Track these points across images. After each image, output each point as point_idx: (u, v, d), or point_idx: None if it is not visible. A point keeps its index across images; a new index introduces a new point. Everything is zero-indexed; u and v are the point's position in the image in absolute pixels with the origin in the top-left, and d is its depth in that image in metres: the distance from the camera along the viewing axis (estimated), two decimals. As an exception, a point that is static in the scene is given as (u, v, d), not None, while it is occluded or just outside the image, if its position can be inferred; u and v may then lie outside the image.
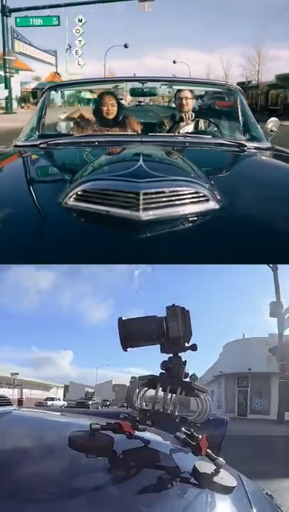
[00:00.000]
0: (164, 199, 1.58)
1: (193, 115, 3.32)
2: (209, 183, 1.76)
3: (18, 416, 1.39)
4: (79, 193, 1.65)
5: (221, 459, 0.98)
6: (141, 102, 4.50)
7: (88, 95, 4.53)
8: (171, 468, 0.99)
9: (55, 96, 3.59)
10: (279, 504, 1.20)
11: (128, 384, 1.17)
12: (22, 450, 0.99)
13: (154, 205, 1.55)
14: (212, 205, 1.64)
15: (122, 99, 3.83)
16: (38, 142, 2.77)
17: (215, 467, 0.97)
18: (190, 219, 1.58)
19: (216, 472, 0.95)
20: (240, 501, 0.98)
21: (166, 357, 1.06)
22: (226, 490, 0.93)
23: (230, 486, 0.93)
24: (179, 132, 3.19)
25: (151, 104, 4.69)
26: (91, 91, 4.06)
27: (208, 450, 0.98)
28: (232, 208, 1.69)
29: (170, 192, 1.60)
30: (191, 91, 3.42)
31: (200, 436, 0.99)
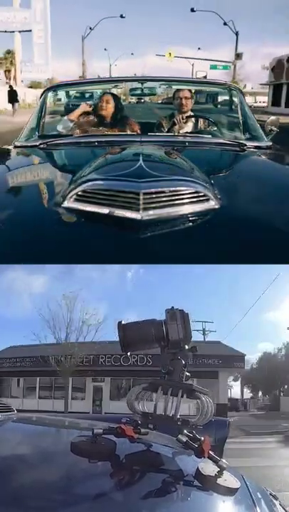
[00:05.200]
0: (164, 199, 1.58)
1: (191, 115, 3.30)
2: (209, 183, 1.76)
3: (20, 422, 1.39)
4: (79, 193, 1.65)
5: (224, 461, 0.98)
6: (140, 100, 4.49)
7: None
8: (174, 471, 0.98)
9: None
10: (283, 504, 1.19)
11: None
12: (24, 456, 0.98)
13: (154, 205, 1.55)
14: (212, 204, 1.63)
15: (123, 99, 3.82)
16: (37, 143, 2.76)
17: (218, 469, 0.96)
18: (190, 219, 1.58)
19: (220, 474, 0.95)
20: (245, 502, 0.97)
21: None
22: (230, 491, 0.92)
23: (234, 488, 0.93)
24: (179, 132, 3.18)
25: (149, 101, 4.67)
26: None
27: (210, 452, 0.98)
28: (232, 208, 1.69)
29: (170, 192, 1.60)
30: (190, 90, 3.41)
31: (202, 438, 0.99)
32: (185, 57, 40.02)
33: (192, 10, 38.99)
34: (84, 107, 3.35)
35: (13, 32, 26.98)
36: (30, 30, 26.74)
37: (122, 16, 39.03)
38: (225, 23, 35.60)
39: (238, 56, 36.33)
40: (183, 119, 3.26)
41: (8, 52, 35.54)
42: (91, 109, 3.34)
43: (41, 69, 26.69)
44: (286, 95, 35.84)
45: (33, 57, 28.09)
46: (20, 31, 26.98)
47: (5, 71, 36.54)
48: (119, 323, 1.06)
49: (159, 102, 4.81)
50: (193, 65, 41.09)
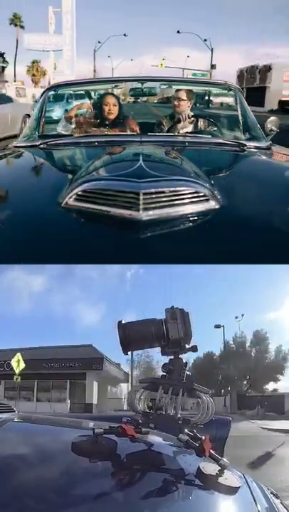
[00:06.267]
0: (164, 199, 1.58)
1: (191, 115, 3.31)
2: (209, 183, 1.76)
3: (21, 422, 1.39)
4: (79, 193, 1.65)
5: (225, 460, 0.98)
6: (137, 100, 4.48)
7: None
8: (176, 471, 0.98)
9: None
10: (285, 503, 1.19)
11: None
12: (25, 456, 0.98)
13: (154, 205, 1.55)
14: (212, 204, 1.63)
15: (123, 99, 3.83)
16: (37, 143, 2.76)
17: (219, 468, 0.96)
18: (190, 219, 1.58)
19: (221, 473, 0.95)
20: (246, 501, 0.97)
21: (167, 359, 1.05)
22: (231, 490, 0.92)
23: (235, 487, 0.93)
24: (179, 132, 3.18)
25: (147, 101, 4.67)
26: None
27: (211, 451, 0.98)
28: (232, 208, 1.69)
29: (170, 192, 1.60)
30: (189, 90, 3.42)
31: (203, 437, 0.99)
32: (173, 67, 50.65)
33: (178, 32, 50.17)
34: (78, 105, 3.35)
35: (49, 51, 38.10)
36: (61, 50, 37.72)
37: (125, 35, 52.84)
38: (205, 40, 47.21)
39: (213, 66, 48.41)
40: (183, 119, 3.27)
41: (34, 62, 51.99)
42: (86, 106, 3.34)
43: (68, 78, 35.03)
44: (245, 97, 51.30)
45: (63, 69, 38.57)
46: (53, 50, 37.86)
47: (31, 77, 51.90)
48: (119, 322, 1.06)
49: (156, 101, 4.80)
50: (183, 70, 49.08)
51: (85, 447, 0.93)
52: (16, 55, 49.89)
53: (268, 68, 46.73)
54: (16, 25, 51.58)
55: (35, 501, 0.78)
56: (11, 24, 51.44)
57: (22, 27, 50.61)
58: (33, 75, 53.33)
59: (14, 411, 1.43)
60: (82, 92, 4.22)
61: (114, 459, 0.93)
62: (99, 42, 50.11)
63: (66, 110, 3.56)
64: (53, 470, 0.91)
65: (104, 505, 0.80)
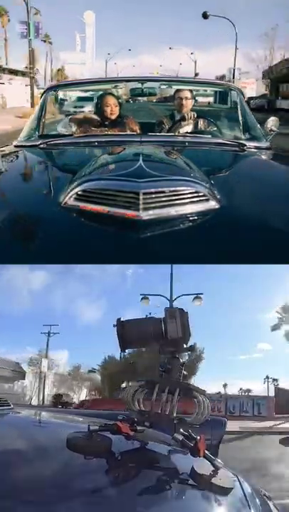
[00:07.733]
0: (164, 199, 1.58)
1: (193, 115, 3.31)
2: (209, 183, 1.76)
3: (16, 417, 1.39)
4: (79, 192, 1.65)
5: (219, 460, 0.98)
6: (137, 100, 4.48)
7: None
8: (170, 470, 0.99)
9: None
10: (277, 505, 1.20)
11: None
12: (20, 451, 0.98)
13: (153, 205, 1.55)
14: (212, 204, 1.63)
15: (123, 99, 3.84)
16: (38, 142, 2.76)
17: (213, 468, 0.96)
18: (190, 219, 1.58)
19: (214, 473, 0.95)
20: (238, 502, 0.97)
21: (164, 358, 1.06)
22: (224, 491, 0.93)
23: (228, 487, 0.93)
24: (179, 132, 3.18)
25: (147, 100, 4.67)
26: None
27: (206, 451, 0.98)
28: (232, 208, 1.69)
29: (170, 192, 1.60)
30: (190, 91, 3.42)
31: (198, 438, 0.99)
32: (166, 75, 61.44)
33: (170, 48, 59.87)
34: (88, 114, 3.37)
35: (74, 64, 50.42)
36: (85, 63, 48.71)
37: (129, 50, 65.55)
38: (192, 53, 57.12)
39: (196, 75, 56.83)
40: (187, 118, 3.26)
41: (58, 70, 63.77)
42: (93, 110, 3.34)
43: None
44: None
45: (85, 75, 47.73)
46: (79, 63, 49.69)
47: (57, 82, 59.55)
48: (118, 320, 1.06)
49: (154, 101, 4.81)
50: (177, 76, 56.01)
51: (80, 444, 0.93)
52: (45, 65, 62.62)
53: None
54: (45, 41, 64.48)
55: (28, 495, 0.78)
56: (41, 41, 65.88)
57: (50, 43, 64.94)
58: (58, 80, 67.45)
59: (9, 405, 1.43)
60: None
61: (108, 456, 0.93)
62: (108, 54, 61.61)
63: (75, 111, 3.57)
64: (47, 466, 0.91)
65: (97, 502, 0.80)
